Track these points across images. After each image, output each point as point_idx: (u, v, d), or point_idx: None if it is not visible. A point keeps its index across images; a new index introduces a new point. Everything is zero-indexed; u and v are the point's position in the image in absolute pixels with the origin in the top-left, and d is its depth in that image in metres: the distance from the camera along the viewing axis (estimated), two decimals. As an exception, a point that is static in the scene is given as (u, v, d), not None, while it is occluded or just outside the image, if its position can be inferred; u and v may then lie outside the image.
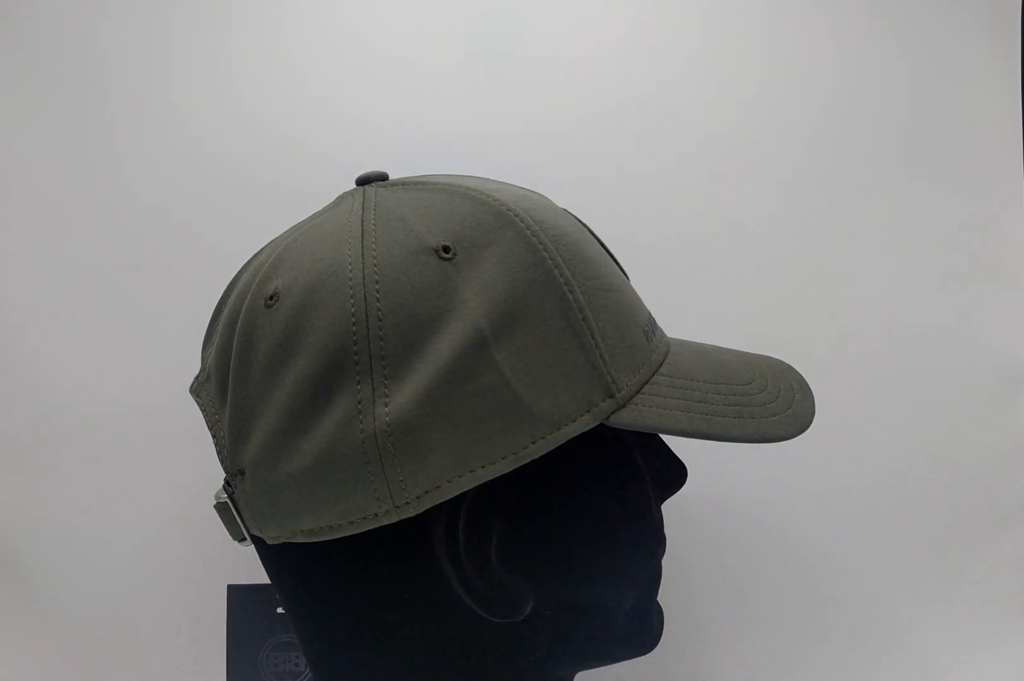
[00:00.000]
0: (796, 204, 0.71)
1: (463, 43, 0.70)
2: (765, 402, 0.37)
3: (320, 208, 0.43)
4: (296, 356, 0.33)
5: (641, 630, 0.42)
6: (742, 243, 0.71)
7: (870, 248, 0.72)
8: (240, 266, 0.44)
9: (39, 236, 0.66)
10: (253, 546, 0.39)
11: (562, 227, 0.36)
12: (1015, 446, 0.72)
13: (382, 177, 0.40)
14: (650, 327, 0.39)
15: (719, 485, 0.67)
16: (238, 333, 0.36)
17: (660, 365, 0.37)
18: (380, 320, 0.31)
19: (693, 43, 0.71)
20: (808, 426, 0.38)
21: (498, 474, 0.31)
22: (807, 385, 0.41)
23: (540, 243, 0.34)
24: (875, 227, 0.72)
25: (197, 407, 0.40)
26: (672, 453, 0.45)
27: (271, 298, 0.35)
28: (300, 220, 0.42)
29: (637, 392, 0.35)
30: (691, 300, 0.69)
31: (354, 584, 0.36)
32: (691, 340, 0.43)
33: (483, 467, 0.31)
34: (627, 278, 0.41)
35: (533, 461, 0.32)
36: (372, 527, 0.32)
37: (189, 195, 0.67)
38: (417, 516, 0.32)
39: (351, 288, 0.32)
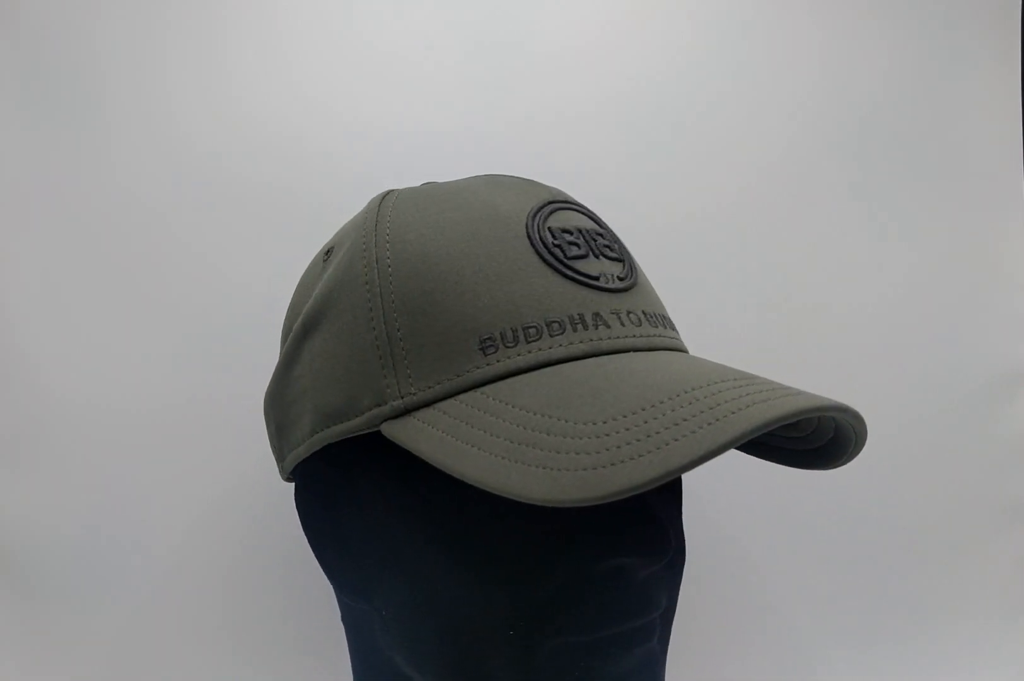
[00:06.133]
0: (795, 204, 0.71)
1: (463, 42, 0.70)
2: (595, 449, 0.26)
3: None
4: None
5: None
6: (738, 243, 0.71)
7: (869, 248, 0.72)
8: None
9: (39, 238, 0.67)
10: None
11: (414, 225, 0.34)
12: (1015, 446, 0.72)
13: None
14: (508, 336, 0.31)
15: (717, 484, 0.67)
16: None
17: (492, 381, 0.30)
18: (288, 312, 0.40)
19: (692, 41, 0.71)
20: (607, 494, 0.25)
21: (301, 457, 0.36)
22: (728, 440, 0.25)
23: (364, 243, 0.35)
24: (874, 227, 0.72)
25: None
26: (639, 511, 0.33)
27: None
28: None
29: (427, 405, 0.31)
30: (685, 297, 0.68)
31: None
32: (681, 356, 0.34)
33: (296, 447, 0.36)
34: (578, 281, 0.33)
35: (344, 451, 0.35)
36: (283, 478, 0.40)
37: (188, 197, 0.67)
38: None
39: None
